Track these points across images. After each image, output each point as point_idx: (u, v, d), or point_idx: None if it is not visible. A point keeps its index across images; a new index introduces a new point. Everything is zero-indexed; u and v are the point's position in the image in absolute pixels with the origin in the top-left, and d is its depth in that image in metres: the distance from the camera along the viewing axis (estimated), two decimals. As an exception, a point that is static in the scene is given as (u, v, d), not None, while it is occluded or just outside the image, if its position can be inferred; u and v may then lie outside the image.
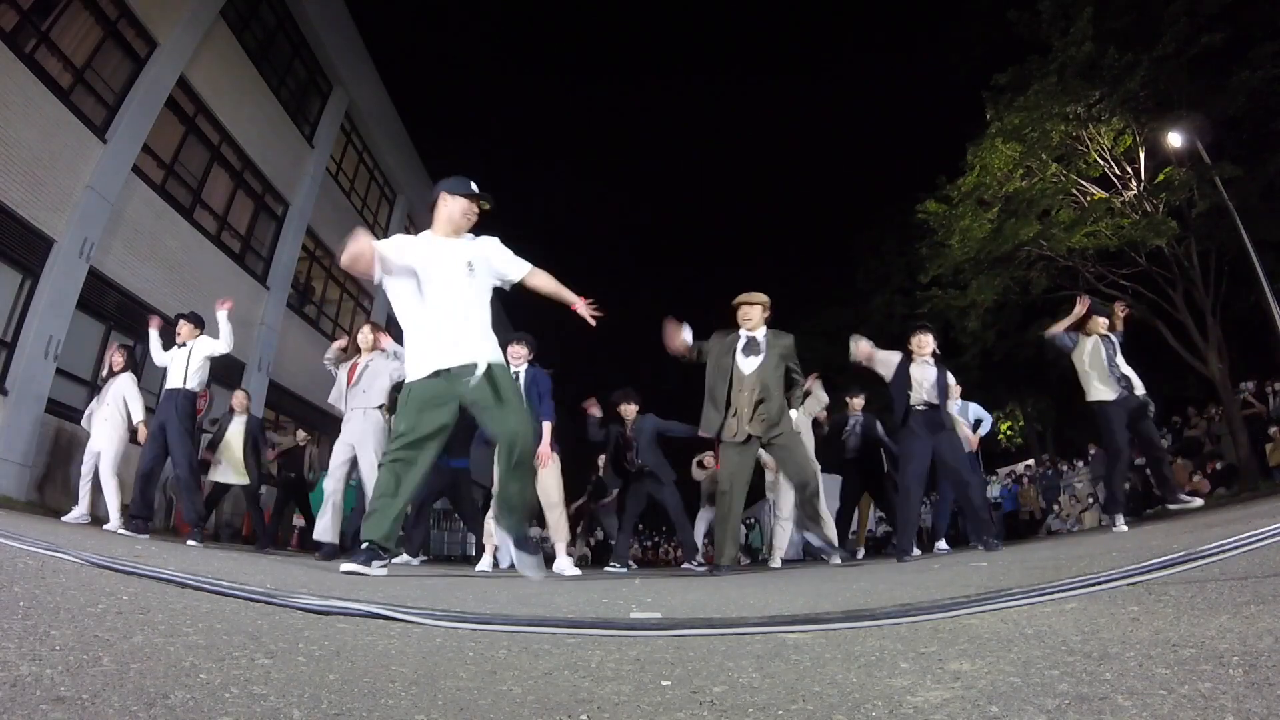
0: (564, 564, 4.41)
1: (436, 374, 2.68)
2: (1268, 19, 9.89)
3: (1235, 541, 1.76)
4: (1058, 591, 1.42)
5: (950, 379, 4.82)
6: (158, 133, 8.48)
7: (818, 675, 0.88)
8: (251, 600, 1.39)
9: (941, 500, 6.68)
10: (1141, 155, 11.09)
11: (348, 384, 4.89)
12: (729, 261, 68.92)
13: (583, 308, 2.94)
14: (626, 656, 1.04)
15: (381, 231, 15.52)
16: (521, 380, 4.40)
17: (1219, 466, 10.62)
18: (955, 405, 6.43)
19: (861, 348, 4.84)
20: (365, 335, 5.03)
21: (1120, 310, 5.16)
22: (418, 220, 17.72)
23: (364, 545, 2.58)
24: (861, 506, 6.79)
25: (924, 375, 4.63)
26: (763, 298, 4.16)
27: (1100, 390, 4.83)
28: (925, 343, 4.74)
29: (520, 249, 2.96)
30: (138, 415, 5.17)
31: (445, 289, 2.74)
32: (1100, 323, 5.03)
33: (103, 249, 7.61)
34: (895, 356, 4.76)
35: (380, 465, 2.74)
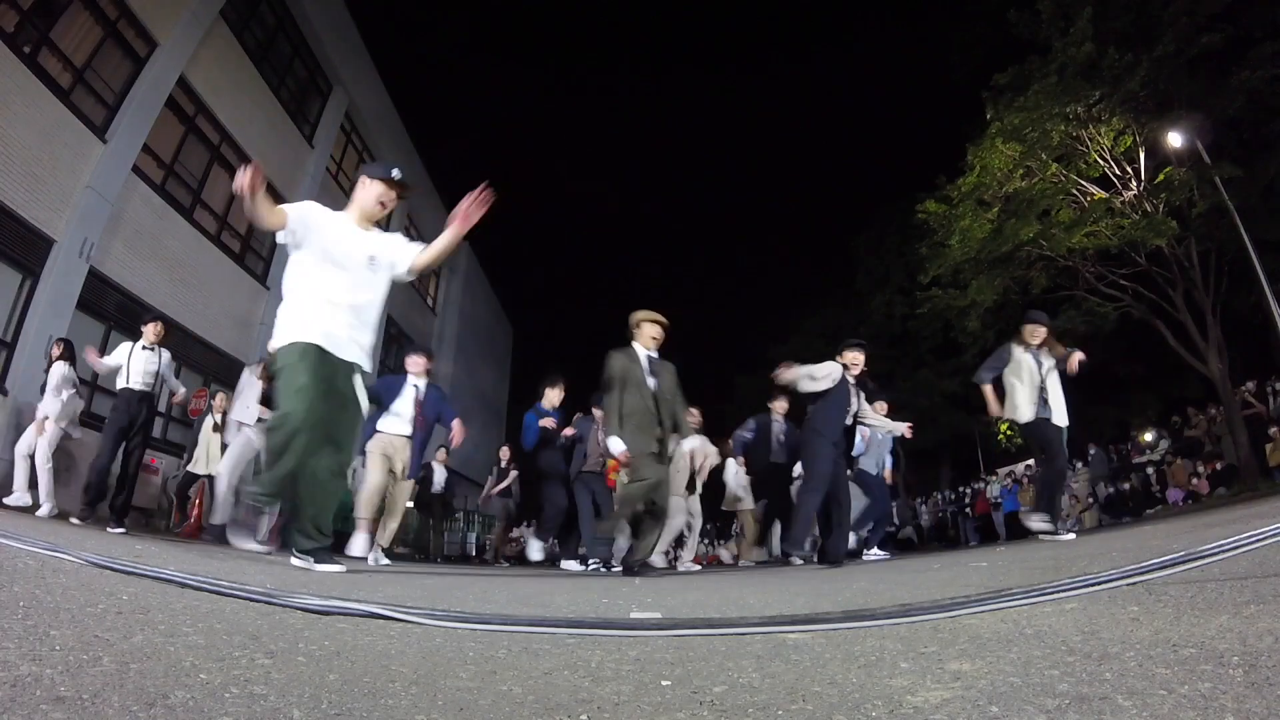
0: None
1: (325, 350, 2.61)
2: (1268, 19, 9.88)
3: (1235, 541, 1.77)
4: (1058, 591, 1.42)
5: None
6: (158, 133, 8.48)
7: (818, 675, 0.88)
8: (251, 600, 1.40)
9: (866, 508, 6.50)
10: (1141, 155, 11.08)
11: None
12: (730, 261, 69.01)
13: (470, 210, 2.75)
14: (626, 656, 1.04)
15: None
16: (422, 392, 4.74)
17: (1219, 466, 10.63)
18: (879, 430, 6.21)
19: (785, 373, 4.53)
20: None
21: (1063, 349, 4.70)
22: (418, 220, 17.73)
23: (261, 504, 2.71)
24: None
25: (856, 397, 4.42)
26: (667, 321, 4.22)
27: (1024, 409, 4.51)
28: (860, 360, 4.51)
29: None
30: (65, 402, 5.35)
31: (343, 275, 2.70)
32: (1033, 332, 4.66)
33: (103, 249, 7.61)
34: (834, 369, 4.46)
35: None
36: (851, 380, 4.43)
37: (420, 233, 18.11)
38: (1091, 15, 10.27)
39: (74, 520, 4.74)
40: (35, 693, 0.66)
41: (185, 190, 9.29)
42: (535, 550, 6.01)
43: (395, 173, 2.84)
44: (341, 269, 2.70)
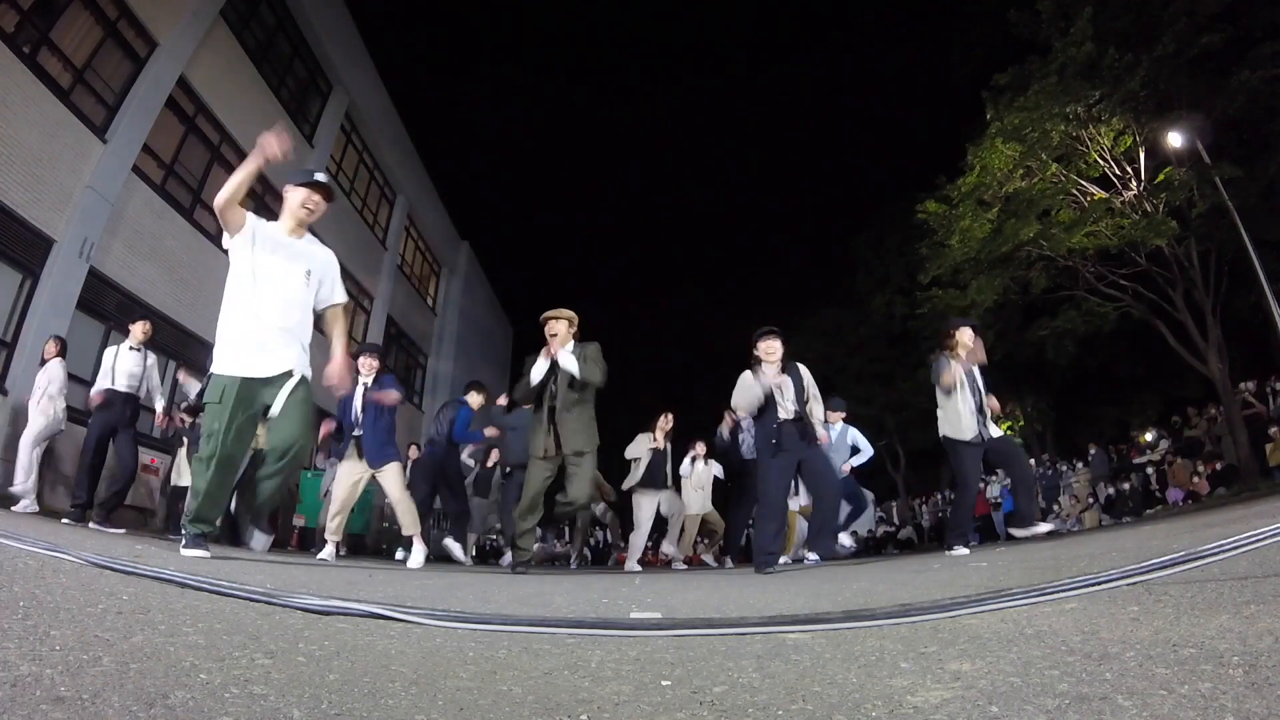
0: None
1: (250, 379, 2.69)
2: (1268, 19, 9.88)
3: (1235, 541, 1.77)
4: (1058, 591, 1.42)
5: (810, 384, 4.17)
6: (158, 133, 8.48)
7: (818, 675, 0.88)
8: (251, 600, 1.39)
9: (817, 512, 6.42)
10: (1141, 155, 11.08)
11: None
12: (731, 262, 69.05)
13: (340, 367, 2.91)
14: (626, 656, 1.04)
15: (382, 231, 15.54)
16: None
17: (1219, 466, 10.63)
18: (835, 430, 6.13)
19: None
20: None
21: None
22: (418, 220, 17.71)
23: (197, 533, 2.74)
24: (791, 518, 6.30)
25: (781, 384, 4.07)
26: (567, 313, 4.16)
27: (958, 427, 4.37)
28: (774, 349, 4.11)
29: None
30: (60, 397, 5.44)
31: (280, 288, 2.77)
32: (965, 335, 4.56)
33: (103, 249, 7.60)
34: (746, 376, 4.12)
35: (201, 461, 2.74)
36: (772, 372, 4.12)
37: (420, 232, 18.13)
38: (1091, 15, 10.26)
39: (64, 521, 4.74)
40: (35, 693, 0.66)
41: (185, 190, 9.29)
42: (457, 552, 6.14)
43: (319, 176, 2.98)
44: (279, 283, 2.78)
